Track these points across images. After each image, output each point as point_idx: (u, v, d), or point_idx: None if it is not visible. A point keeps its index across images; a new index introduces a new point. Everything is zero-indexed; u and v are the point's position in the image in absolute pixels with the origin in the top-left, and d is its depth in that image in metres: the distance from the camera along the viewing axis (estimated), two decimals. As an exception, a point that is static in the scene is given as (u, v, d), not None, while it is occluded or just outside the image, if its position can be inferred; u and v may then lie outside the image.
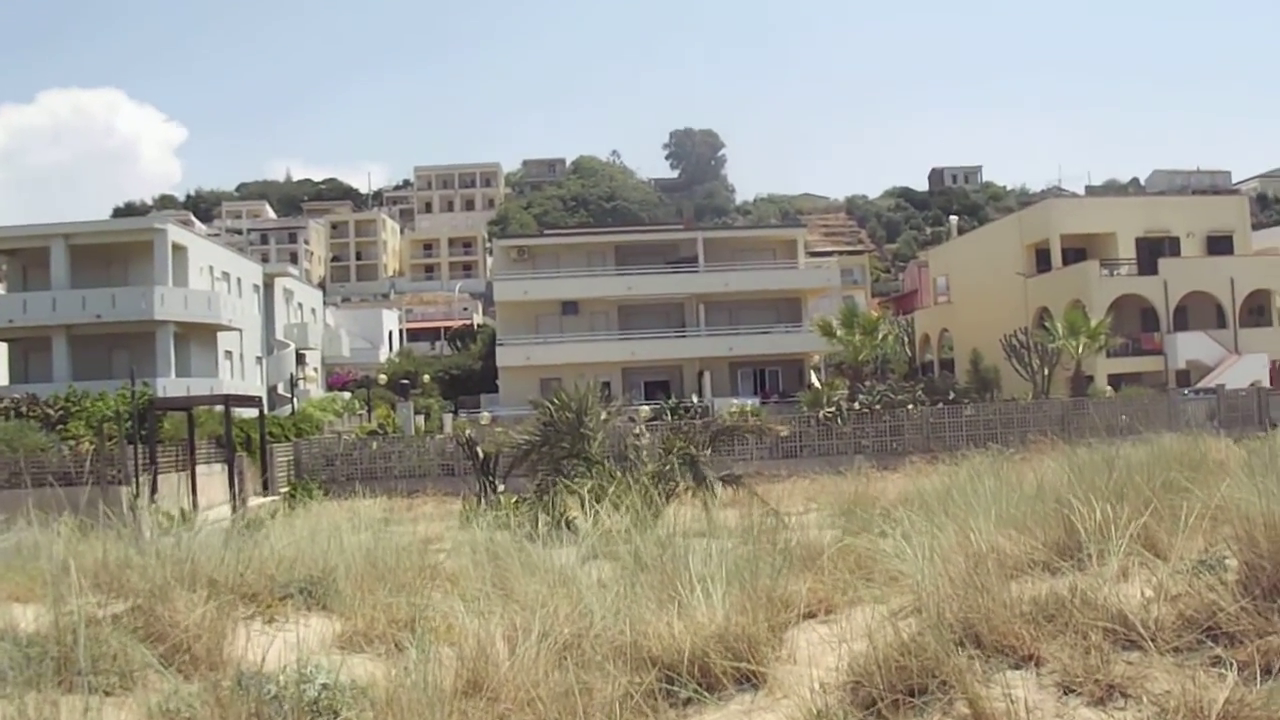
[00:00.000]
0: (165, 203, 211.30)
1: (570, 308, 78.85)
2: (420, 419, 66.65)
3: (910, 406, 50.64)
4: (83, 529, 11.46)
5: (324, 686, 6.85)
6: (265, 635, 7.12)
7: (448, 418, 68.37)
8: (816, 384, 69.55)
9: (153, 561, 9.00)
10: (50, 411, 42.31)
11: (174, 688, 6.66)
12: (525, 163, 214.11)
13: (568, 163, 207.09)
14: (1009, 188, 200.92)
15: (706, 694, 6.82)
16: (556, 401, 23.35)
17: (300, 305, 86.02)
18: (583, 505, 11.66)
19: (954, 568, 7.86)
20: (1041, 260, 72.22)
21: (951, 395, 56.80)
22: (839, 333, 58.91)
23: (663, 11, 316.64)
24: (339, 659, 7.60)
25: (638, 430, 24.28)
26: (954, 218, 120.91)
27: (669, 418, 49.43)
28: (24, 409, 42.47)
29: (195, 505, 29.19)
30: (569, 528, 15.17)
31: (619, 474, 18.25)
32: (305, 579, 10.08)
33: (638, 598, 8.12)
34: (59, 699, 5.78)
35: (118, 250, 62.19)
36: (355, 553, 11.05)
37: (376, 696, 6.64)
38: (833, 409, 49.79)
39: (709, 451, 22.16)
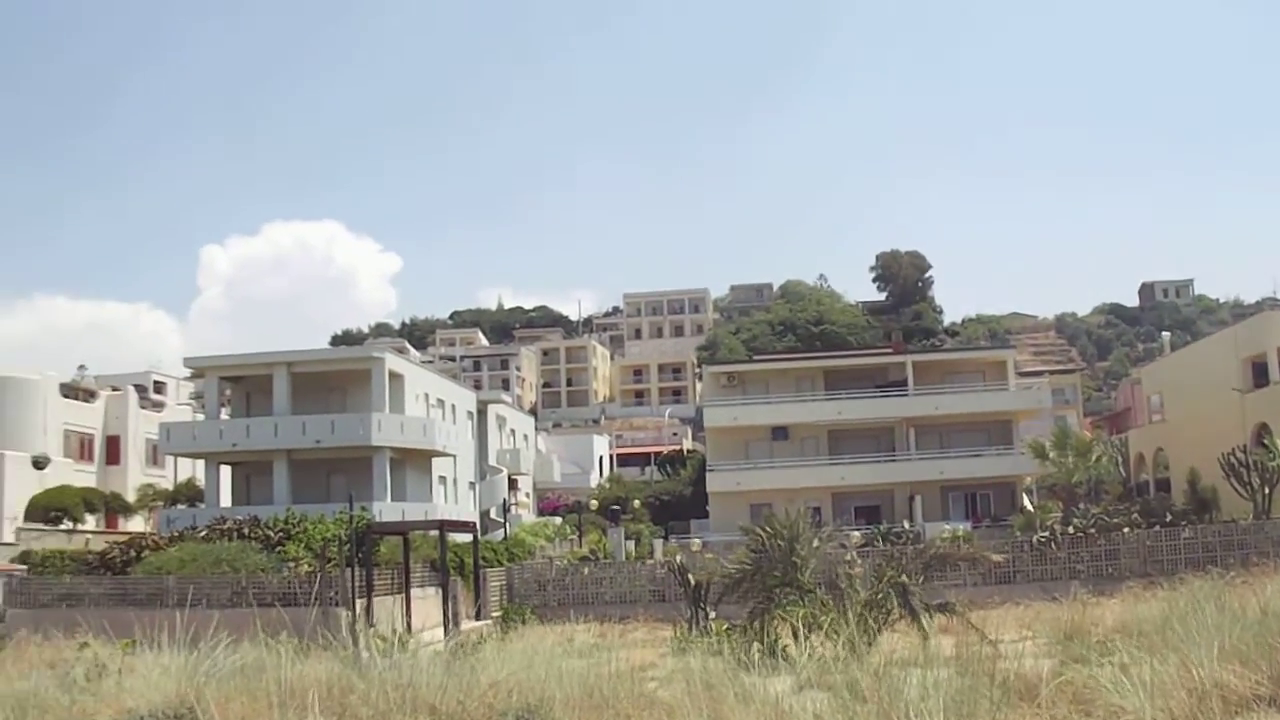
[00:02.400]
0: (381, 330, 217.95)
1: (780, 433, 78.76)
2: (631, 544, 66.92)
3: (1126, 529, 49.09)
4: (304, 650, 11.79)
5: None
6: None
7: (658, 543, 68.47)
8: (1029, 507, 68.07)
9: (375, 688, 9.25)
10: (270, 533, 43.73)
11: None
12: (733, 288, 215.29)
13: (775, 287, 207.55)
14: (1222, 300, 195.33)
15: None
16: (768, 529, 23.37)
17: (513, 431, 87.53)
18: (795, 634, 11.60)
19: (1176, 703, 7.68)
20: (1259, 374, 69.44)
21: (1168, 517, 54.88)
22: (1051, 454, 57.67)
23: (867, 137, 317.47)
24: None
25: (849, 557, 24.14)
26: (1166, 333, 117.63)
27: (880, 544, 48.86)
28: (246, 530, 44.01)
29: (410, 628, 29.74)
30: (782, 656, 15.09)
31: (831, 602, 18.15)
32: (523, 707, 10.23)
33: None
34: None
35: (337, 378, 64.27)
36: (571, 680, 11.16)
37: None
38: (1046, 533, 48.58)
39: (921, 579, 21.88)
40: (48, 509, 66.31)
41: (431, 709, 9.12)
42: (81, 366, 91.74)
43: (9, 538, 61.52)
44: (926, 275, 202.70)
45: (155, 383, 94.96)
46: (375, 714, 8.28)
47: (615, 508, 76.64)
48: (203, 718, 8.32)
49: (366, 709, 8.47)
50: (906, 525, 63.97)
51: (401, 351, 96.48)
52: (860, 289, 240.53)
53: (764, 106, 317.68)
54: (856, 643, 11.01)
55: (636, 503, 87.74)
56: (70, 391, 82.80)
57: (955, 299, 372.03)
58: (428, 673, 10.80)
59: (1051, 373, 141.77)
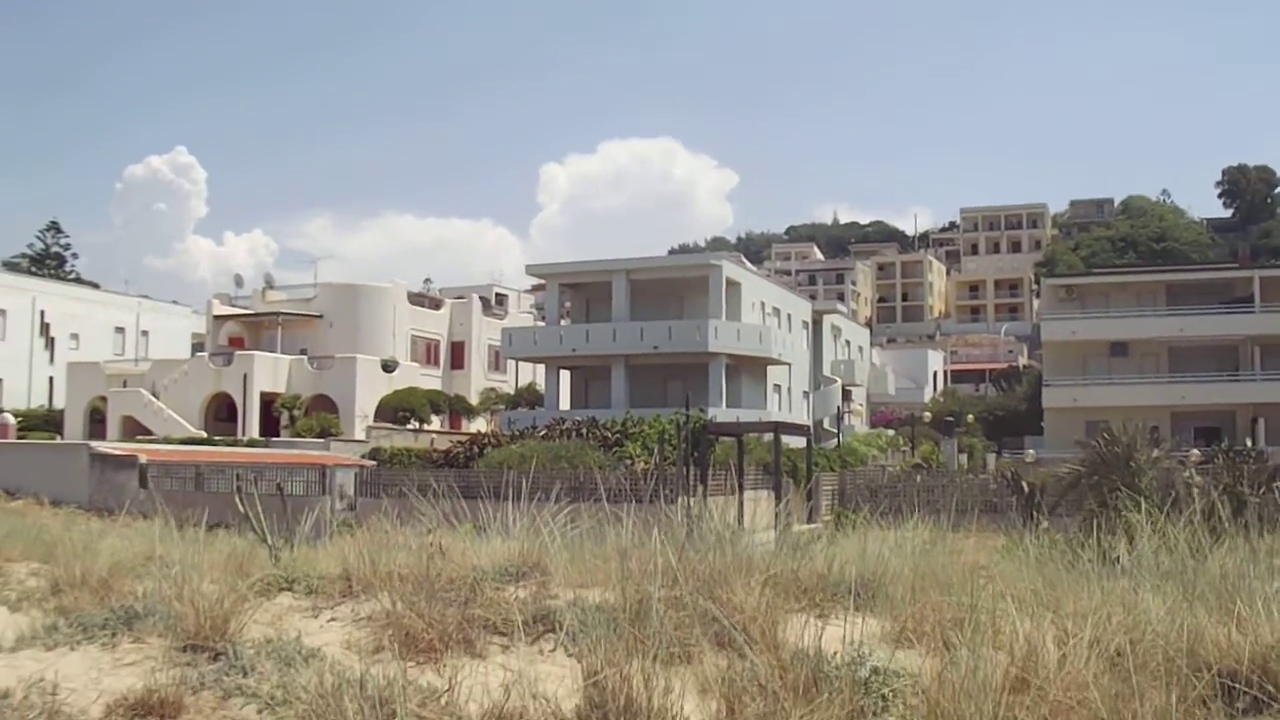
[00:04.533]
0: (717, 244, 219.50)
1: (1118, 349, 76.27)
2: (964, 457, 66.14)
3: None
4: (644, 526, 12.16)
5: (874, 670, 7.08)
6: (815, 627, 7.37)
7: (990, 457, 67.50)
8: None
9: (712, 552, 9.48)
10: (608, 434, 44.90)
11: (729, 662, 7.03)
12: (1072, 203, 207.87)
13: (1116, 203, 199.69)
14: None
15: (1270, 701, 6.58)
16: (1105, 437, 22.81)
17: (847, 342, 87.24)
18: (1130, 539, 11.31)
19: None
20: None
21: None
22: None
23: (1214, 50, 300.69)
24: (887, 652, 7.79)
25: (1188, 474, 23.33)
26: None
27: (1220, 463, 46.80)
28: (584, 431, 45.32)
29: (742, 526, 30.18)
30: (1116, 562, 14.74)
31: (1168, 511, 17.60)
32: (856, 580, 10.33)
33: (1194, 611, 7.89)
34: (627, 661, 6.22)
35: (675, 285, 65.16)
36: (904, 564, 11.19)
37: (925, 685, 6.78)
38: None
39: (1263, 491, 20.97)
40: (396, 409, 69.78)
41: (765, 576, 9.26)
42: (427, 280, 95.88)
43: (360, 435, 64.97)
44: (1276, 191, 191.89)
45: (497, 295, 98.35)
46: (712, 573, 8.45)
47: (949, 419, 75.68)
48: (551, 570, 8.66)
49: (704, 567, 8.66)
50: (1249, 445, 61.06)
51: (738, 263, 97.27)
52: (1205, 205, 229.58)
53: (1109, 17, 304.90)
54: (1194, 550, 10.67)
55: (970, 417, 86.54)
56: (418, 300, 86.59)
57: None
58: (761, 552, 10.97)
59: None
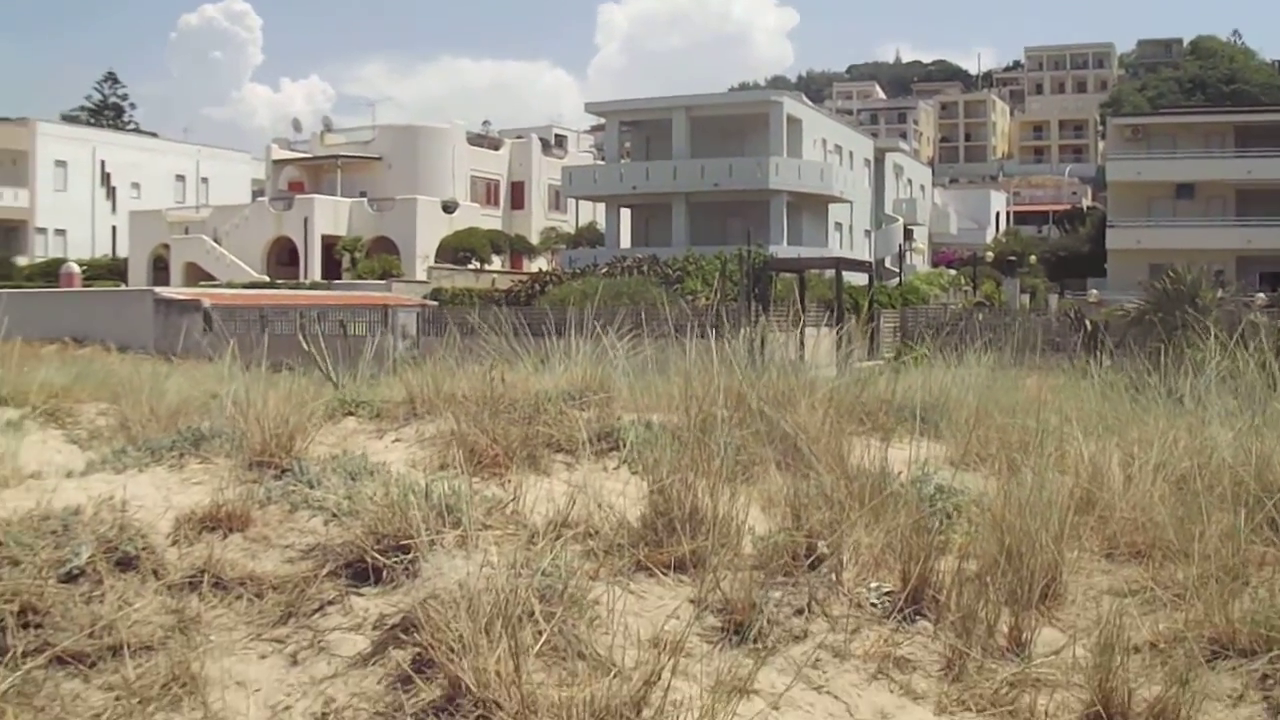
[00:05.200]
0: (777, 83, 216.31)
1: (1184, 190, 75.19)
2: (1025, 297, 65.76)
3: None
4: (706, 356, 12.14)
5: (938, 488, 7.08)
6: (878, 449, 7.35)
7: (1053, 298, 67.06)
8: None
9: (774, 375, 9.45)
10: (669, 271, 44.96)
11: (791, 480, 7.03)
12: (1140, 43, 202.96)
13: (1185, 43, 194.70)
14: None
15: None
16: (1170, 275, 22.66)
17: (909, 181, 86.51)
18: (1195, 374, 11.20)
19: None
20: None
21: None
22: None
23: None
24: (951, 472, 7.78)
25: (1253, 316, 23.08)
26: None
27: (1286, 306, 46.25)
28: (645, 268, 45.38)
29: (803, 359, 30.19)
30: (1179, 400, 14.66)
31: (1232, 350, 17.43)
32: (920, 404, 10.30)
33: (1262, 438, 7.80)
34: (692, 479, 6.22)
35: (735, 122, 64.59)
36: (967, 392, 11.15)
37: (989, 503, 6.77)
38: None
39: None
40: (456, 250, 70.06)
41: (829, 397, 9.24)
42: (486, 122, 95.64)
43: (421, 276, 65.36)
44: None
45: (556, 136, 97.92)
46: (777, 394, 8.42)
47: (1011, 259, 75.14)
48: (614, 394, 8.68)
49: (768, 390, 8.63)
50: (1316, 286, 60.31)
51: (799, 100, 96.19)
52: (1277, 47, 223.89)
53: None
54: (1259, 389, 10.52)
55: (1032, 258, 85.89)
56: (477, 140, 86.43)
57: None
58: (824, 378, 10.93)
59: None
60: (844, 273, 40.45)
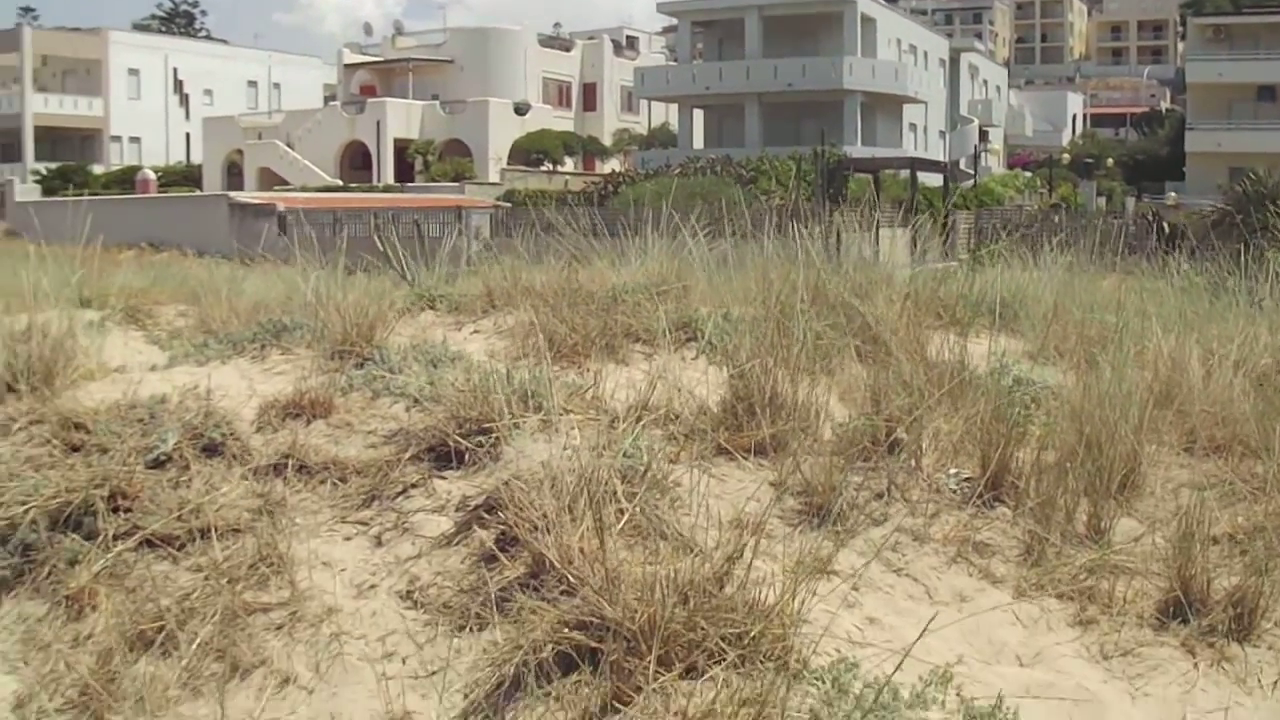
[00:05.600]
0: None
1: (1266, 93, 73.66)
2: (1102, 200, 64.93)
3: None
4: (782, 248, 12.10)
5: (1016, 379, 7.05)
6: (956, 341, 7.33)
7: (1130, 201, 66.15)
8: None
9: (853, 268, 9.44)
10: (743, 172, 44.80)
11: (870, 369, 7.03)
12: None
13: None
14: None
15: None
16: (1251, 178, 22.36)
17: (985, 82, 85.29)
18: (1276, 276, 11.03)
19: None
20: None
21: None
22: None
23: None
24: (1029, 365, 7.75)
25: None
26: None
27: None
28: (719, 169, 45.22)
29: (877, 259, 30.08)
30: (1259, 306, 14.50)
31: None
32: (998, 300, 10.27)
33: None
34: (771, 365, 6.23)
35: (808, 22, 63.75)
36: (1046, 289, 11.10)
37: (1068, 395, 6.74)
38: None
39: None
40: (529, 151, 69.97)
41: (906, 292, 9.22)
42: (557, 24, 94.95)
43: (494, 178, 65.38)
44: None
45: (627, 37, 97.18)
46: (854, 287, 8.42)
47: (1088, 161, 74.09)
48: (690, 285, 8.69)
49: (845, 285, 8.61)
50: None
51: None
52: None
53: None
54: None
55: (1109, 161, 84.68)
56: (549, 42, 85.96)
57: None
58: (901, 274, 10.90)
59: None
60: (919, 174, 40.13)
